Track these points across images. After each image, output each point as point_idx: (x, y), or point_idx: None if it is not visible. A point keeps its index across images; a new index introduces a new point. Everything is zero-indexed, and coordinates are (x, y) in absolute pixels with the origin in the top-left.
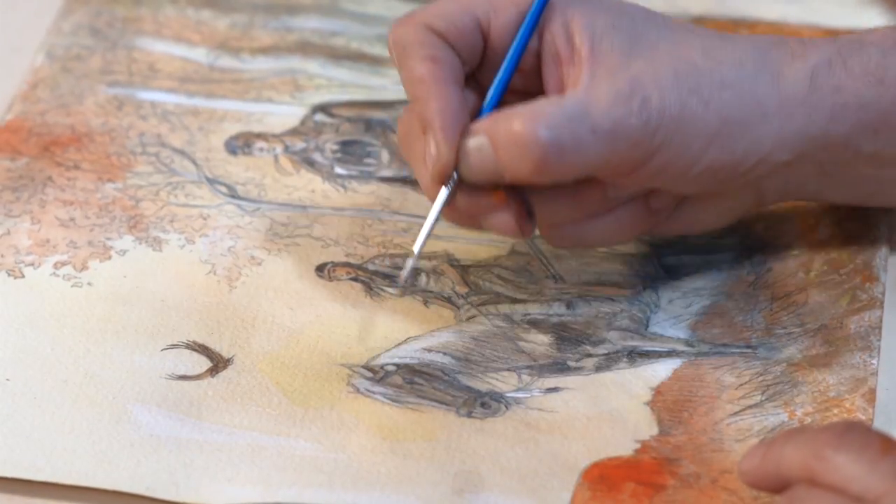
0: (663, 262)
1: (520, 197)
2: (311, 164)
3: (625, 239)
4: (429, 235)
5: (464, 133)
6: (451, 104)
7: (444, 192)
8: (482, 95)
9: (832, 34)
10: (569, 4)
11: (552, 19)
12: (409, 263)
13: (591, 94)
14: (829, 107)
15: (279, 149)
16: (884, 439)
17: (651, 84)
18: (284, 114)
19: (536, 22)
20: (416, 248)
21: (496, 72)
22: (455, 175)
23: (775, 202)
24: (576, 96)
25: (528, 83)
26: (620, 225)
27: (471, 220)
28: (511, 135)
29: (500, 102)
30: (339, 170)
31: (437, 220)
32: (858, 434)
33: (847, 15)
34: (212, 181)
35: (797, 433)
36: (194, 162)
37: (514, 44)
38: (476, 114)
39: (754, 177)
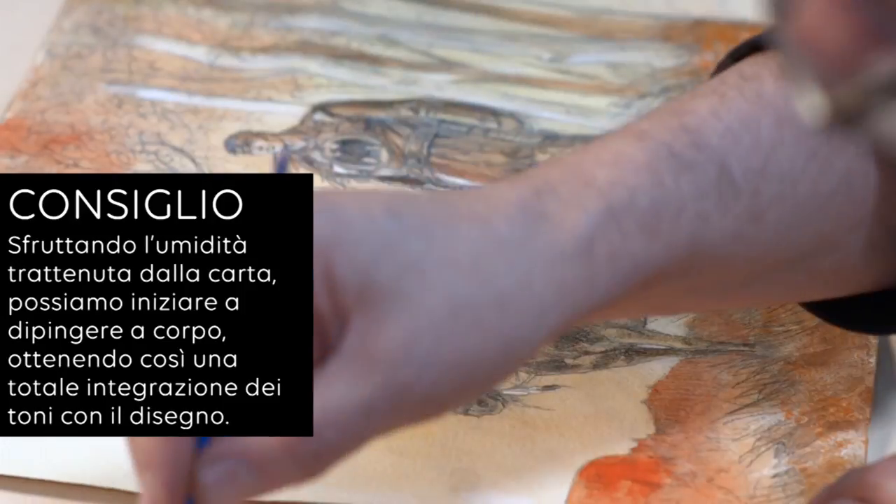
0: None
1: None
2: (310, 163)
3: None
4: None
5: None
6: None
7: None
8: None
9: None
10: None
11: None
12: None
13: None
14: (606, 280)
15: (278, 148)
16: None
17: (413, 360)
18: (284, 113)
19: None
20: None
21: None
22: None
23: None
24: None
25: None
26: None
27: None
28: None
29: None
30: (338, 169)
31: None
32: None
33: None
34: None
35: (852, 472)
36: (194, 160)
37: None
38: None
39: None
